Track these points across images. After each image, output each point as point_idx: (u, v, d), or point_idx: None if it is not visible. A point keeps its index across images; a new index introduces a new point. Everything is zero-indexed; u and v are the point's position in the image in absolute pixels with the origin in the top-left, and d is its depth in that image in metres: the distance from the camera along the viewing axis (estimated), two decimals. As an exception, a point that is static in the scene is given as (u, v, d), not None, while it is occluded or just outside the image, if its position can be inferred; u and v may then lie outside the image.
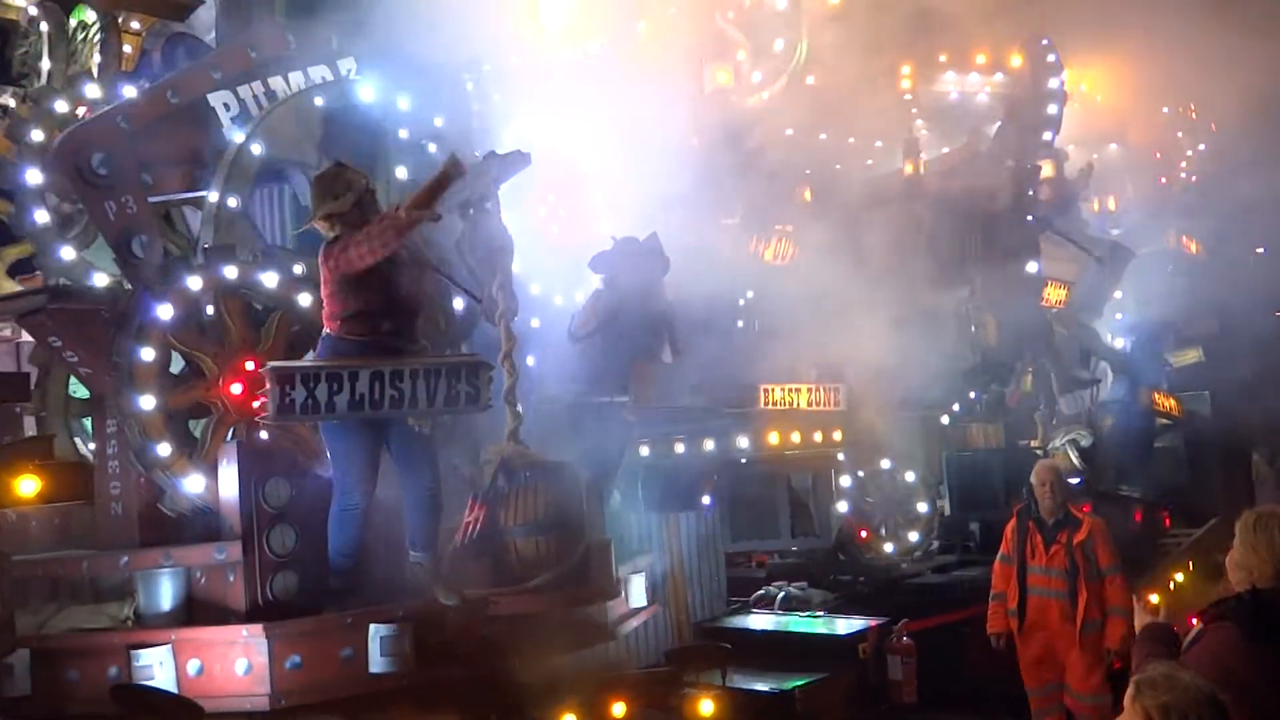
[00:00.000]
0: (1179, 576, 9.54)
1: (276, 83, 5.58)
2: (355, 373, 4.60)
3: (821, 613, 7.17)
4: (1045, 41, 8.77)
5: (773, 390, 8.48)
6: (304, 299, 5.12)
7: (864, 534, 8.84)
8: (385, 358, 4.66)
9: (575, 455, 5.49)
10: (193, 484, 4.77)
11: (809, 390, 8.60)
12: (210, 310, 4.98)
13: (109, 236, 5.09)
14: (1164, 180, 11.12)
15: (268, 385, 4.42)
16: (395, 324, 4.77)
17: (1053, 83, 8.77)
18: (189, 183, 5.55)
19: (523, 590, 4.81)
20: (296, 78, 5.62)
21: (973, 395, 9.16)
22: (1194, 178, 12.37)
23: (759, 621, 7.16)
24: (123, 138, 5.12)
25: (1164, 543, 10.12)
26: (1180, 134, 12.20)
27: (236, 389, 4.90)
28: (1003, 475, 8.62)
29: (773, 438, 6.86)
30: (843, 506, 8.55)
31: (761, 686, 6.30)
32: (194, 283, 4.91)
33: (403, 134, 5.80)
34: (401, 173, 5.83)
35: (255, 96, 5.50)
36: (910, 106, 9.55)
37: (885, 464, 8.89)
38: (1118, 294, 11.29)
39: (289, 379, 4.47)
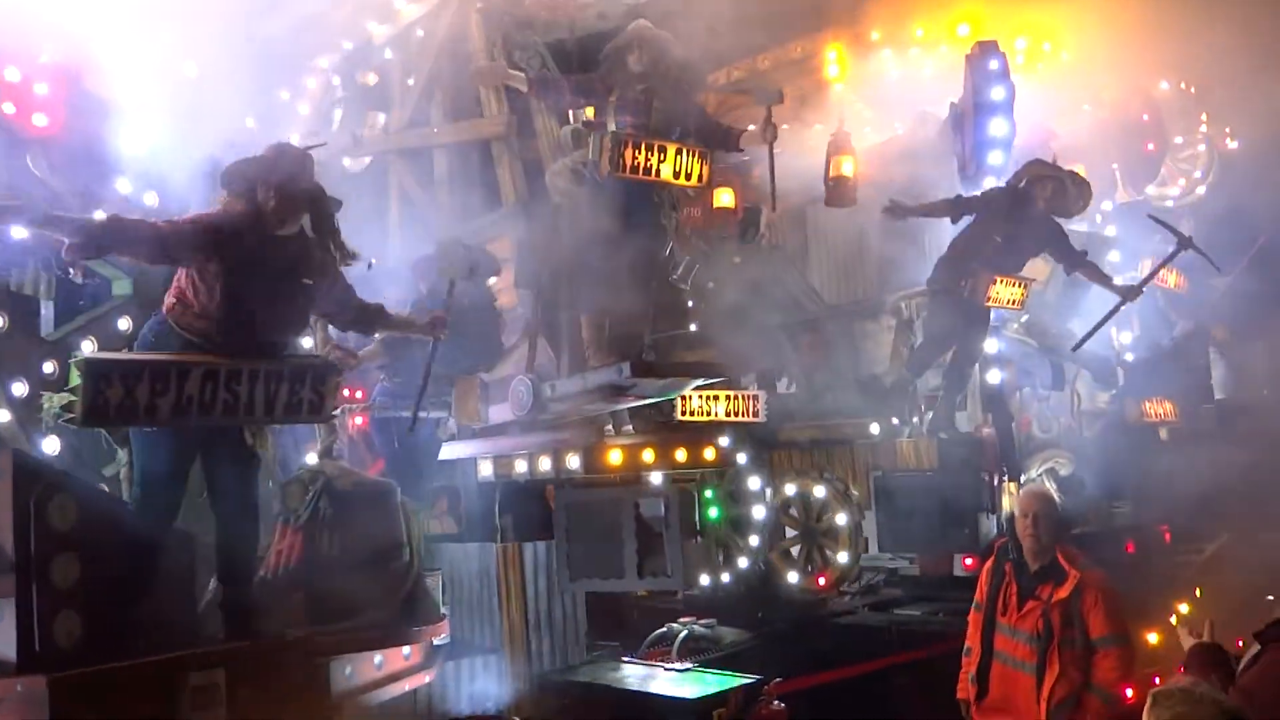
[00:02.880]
0: (1183, 607, 11.18)
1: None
2: (185, 371, 5.51)
3: (690, 665, 8.83)
4: (995, 60, 10.50)
5: (689, 398, 10.16)
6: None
7: (822, 580, 10.92)
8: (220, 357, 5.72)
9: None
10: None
11: (728, 398, 10.47)
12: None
13: None
14: (1152, 147, 13.19)
15: (77, 380, 5.26)
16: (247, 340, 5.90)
17: (997, 94, 10.44)
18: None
19: (349, 628, 6.16)
20: None
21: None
22: (1200, 188, 14.71)
23: (612, 675, 8.63)
24: None
25: (1176, 560, 12.17)
26: (1182, 139, 14.53)
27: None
28: (939, 504, 10.36)
29: (614, 457, 8.26)
30: (759, 518, 10.64)
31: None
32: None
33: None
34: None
35: None
36: (846, 93, 11.50)
37: (808, 486, 10.95)
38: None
39: (104, 375, 5.30)
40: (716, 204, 12.73)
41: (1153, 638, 11.04)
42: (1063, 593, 6.74)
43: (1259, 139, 14.71)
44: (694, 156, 8.42)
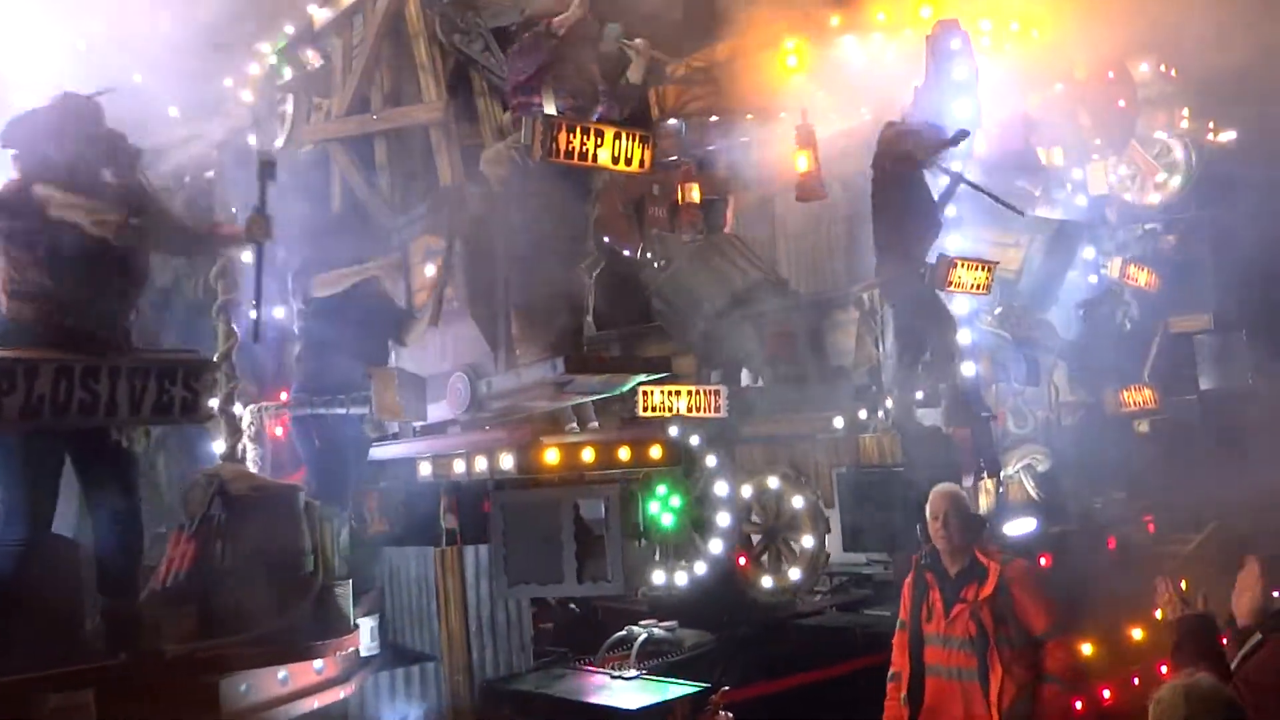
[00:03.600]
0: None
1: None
2: (34, 367, 5.07)
3: (638, 673, 8.30)
4: (956, 39, 9.93)
5: (651, 394, 10.13)
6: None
7: (743, 560, 10.39)
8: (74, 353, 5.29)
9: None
10: None
11: (689, 394, 10.27)
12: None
13: None
14: (1123, 104, 12.55)
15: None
16: (86, 321, 5.46)
17: (960, 73, 9.93)
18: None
19: (242, 642, 5.68)
20: None
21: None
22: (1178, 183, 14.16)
23: (554, 684, 8.15)
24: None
25: (1160, 552, 11.67)
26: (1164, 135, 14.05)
27: None
28: (903, 501, 9.51)
29: (551, 456, 7.66)
30: (724, 519, 10.08)
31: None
32: None
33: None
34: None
35: None
36: (808, 83, 11.05)
37: (771, 483, 10.44)
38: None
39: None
40: (683, 199, 12.47)
41: (1137, 633, 10.62)
42: (987, 589, 6.35)
43: (1245, 133, 14.24)
44: (634, 140, 7.90)
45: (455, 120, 9.44)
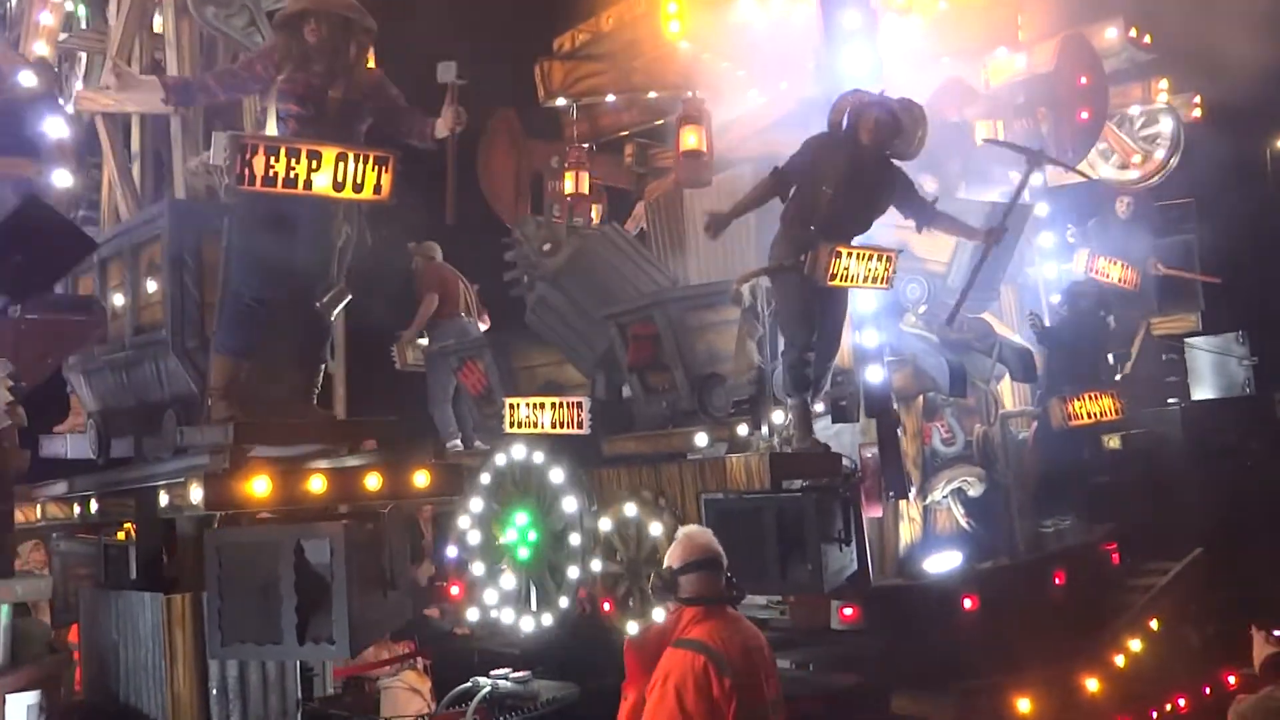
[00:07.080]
0: (1134, 644, 9.57)
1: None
2: None
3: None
4: None
5: (517, 406, 9.29)
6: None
7: (607, 605, 8.85)
8: None
9: None
10: None
11: (553, 407, 9.18)
12: None
13: None
14: (1086, 115, 10.55)
15: None
16: None
17: (851, 20, 8.35)
18: None
19: None
20: None
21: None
22: (1165, 167, 12.43)
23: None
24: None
25: (1127, 586, 10.20)
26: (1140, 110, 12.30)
27: None
28: (775, 534, 8.04)
29: (260, 488, 5.99)
30: (574, 572, 8.63)
31: None
32: None
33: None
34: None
35: None
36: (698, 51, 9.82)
37: (629, 510, 8.74)
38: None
39: None
40: (575, 188, 11.04)
41: (1091, 684, 9.04)
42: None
43: (1231, 103, 12.26)
44: (366, 163, 6.44)
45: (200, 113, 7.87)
